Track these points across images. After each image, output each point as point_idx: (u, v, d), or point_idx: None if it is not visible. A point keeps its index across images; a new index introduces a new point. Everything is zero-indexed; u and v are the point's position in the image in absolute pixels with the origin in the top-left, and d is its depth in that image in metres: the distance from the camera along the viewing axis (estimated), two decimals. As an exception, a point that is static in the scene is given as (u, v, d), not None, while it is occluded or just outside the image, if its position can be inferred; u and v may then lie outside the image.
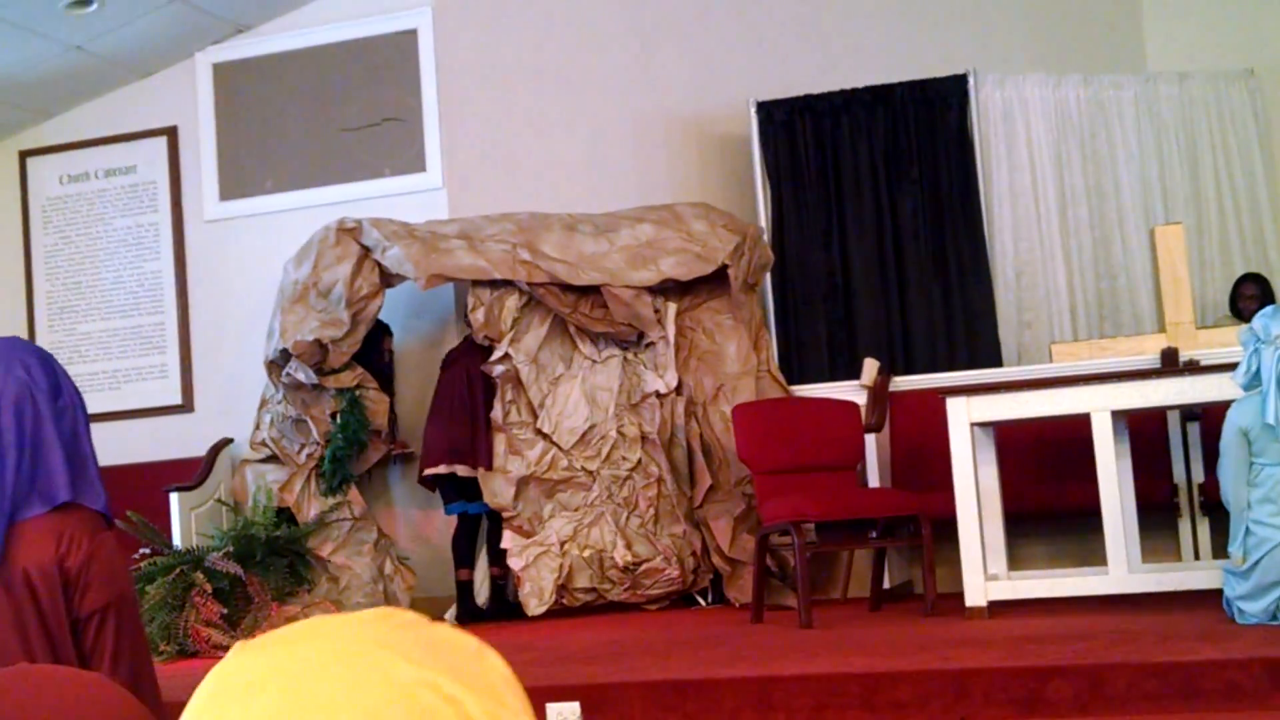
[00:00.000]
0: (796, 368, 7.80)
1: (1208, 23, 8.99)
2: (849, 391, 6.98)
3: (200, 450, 7.76)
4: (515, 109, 8.31)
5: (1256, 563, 4.66)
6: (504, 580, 7.36)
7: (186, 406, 8.40)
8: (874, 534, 6.23)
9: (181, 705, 1.04)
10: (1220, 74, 8.58)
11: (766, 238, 7.83)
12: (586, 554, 7.05)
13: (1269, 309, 5.01)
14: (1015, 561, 6.31)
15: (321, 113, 8.36)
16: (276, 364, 7.26)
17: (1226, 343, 6.04)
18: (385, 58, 8.29)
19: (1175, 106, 8.43)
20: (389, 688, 0.95)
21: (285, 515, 7.19)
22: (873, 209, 8.11)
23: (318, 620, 1.04)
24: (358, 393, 7.23)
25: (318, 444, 7.23)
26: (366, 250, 7.32)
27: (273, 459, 7.41)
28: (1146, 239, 7.73)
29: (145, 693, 3.24)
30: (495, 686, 1.00)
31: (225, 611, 6.42)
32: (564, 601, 7.04)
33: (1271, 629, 4.58)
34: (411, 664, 0.97)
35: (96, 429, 3.66)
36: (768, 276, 7.85)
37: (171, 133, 8.59)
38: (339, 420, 7.19)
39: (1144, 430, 5.99)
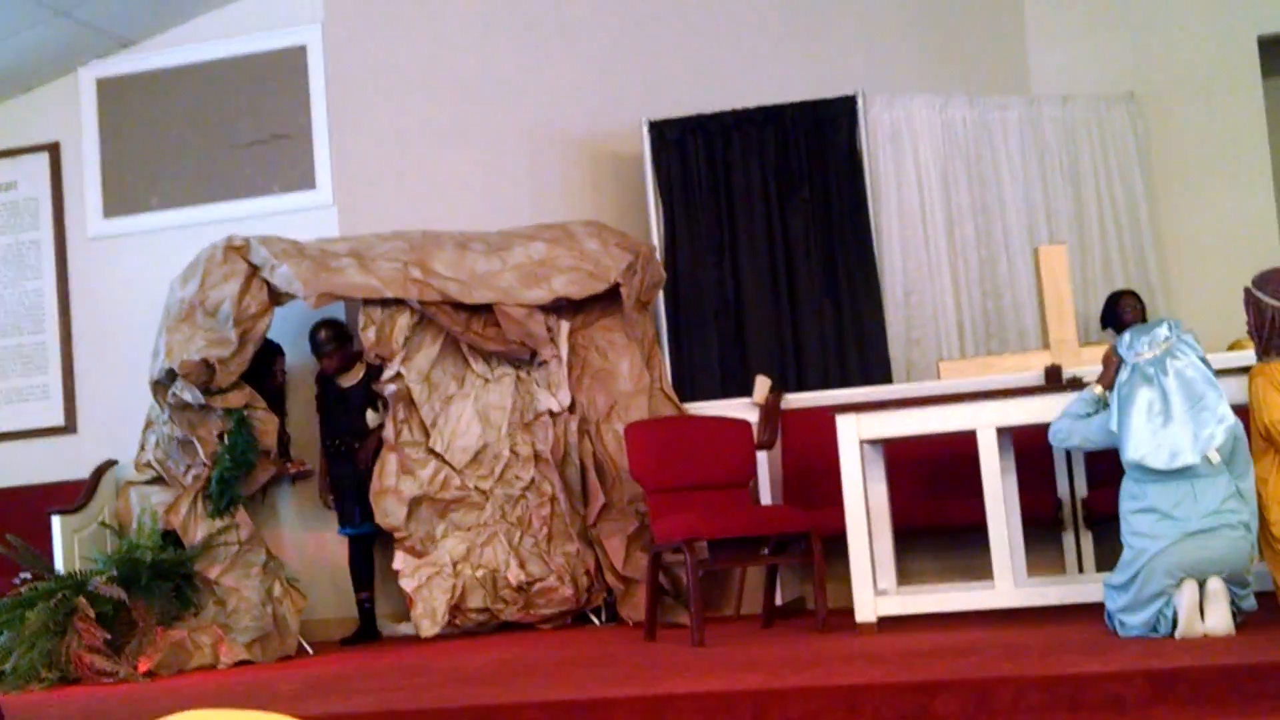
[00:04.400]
0: (689, 385, 7.83)
1: (1089, 47, 9.19)
2: (741, 409, 7.02)
3: (84, 473, 7.59)
4: (408, 127, 8.26)
5: (1135, 575, 4.76)
6: (369, 604, 7.41)
7: (69, 428, 8.23)
8: (766, 551, 6.27)
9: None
10: (1102, 97, 8.77)
11: (659, 256, 7.86)
12: (480, 574, 7.01)
13: (1136, 327, 5.14)
14: (906, 576, 6.39)
15: (209, 129, 8.25)
16: (162, 384, 7.13)
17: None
18: (274, 74, 8.20)
19: (1058, 128, 8.61)
20: None
21: (171, 538, 7.06)
22: (764, 227, 8.17)
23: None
24: (246, 413, 7.12)
25: (204, 465, 7.11)
26: (255, 268, 7.23)
27: (158, 481, 7.27)
28: (1031, 258, 7.88)
29: None
30: None
31: (109, 637, 6.29)
32: (457, 622, 7.00)
33: (1152, 641, 4.67)
34: None
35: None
36: (660, 295, 7.88)
37: (54, 149, 8.42)
38: (226, 441, 7.08)
39: (1029, 446, 6.08)
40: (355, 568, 7.43)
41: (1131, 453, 4.82)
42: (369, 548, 7.41)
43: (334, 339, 7.52)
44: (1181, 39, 9.11)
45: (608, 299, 7.37)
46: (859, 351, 8.08)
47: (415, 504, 7.10)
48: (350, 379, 7.51)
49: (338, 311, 7.74)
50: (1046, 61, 9.23)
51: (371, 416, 7.42)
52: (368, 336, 7.18)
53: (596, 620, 7.13)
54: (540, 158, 8.38)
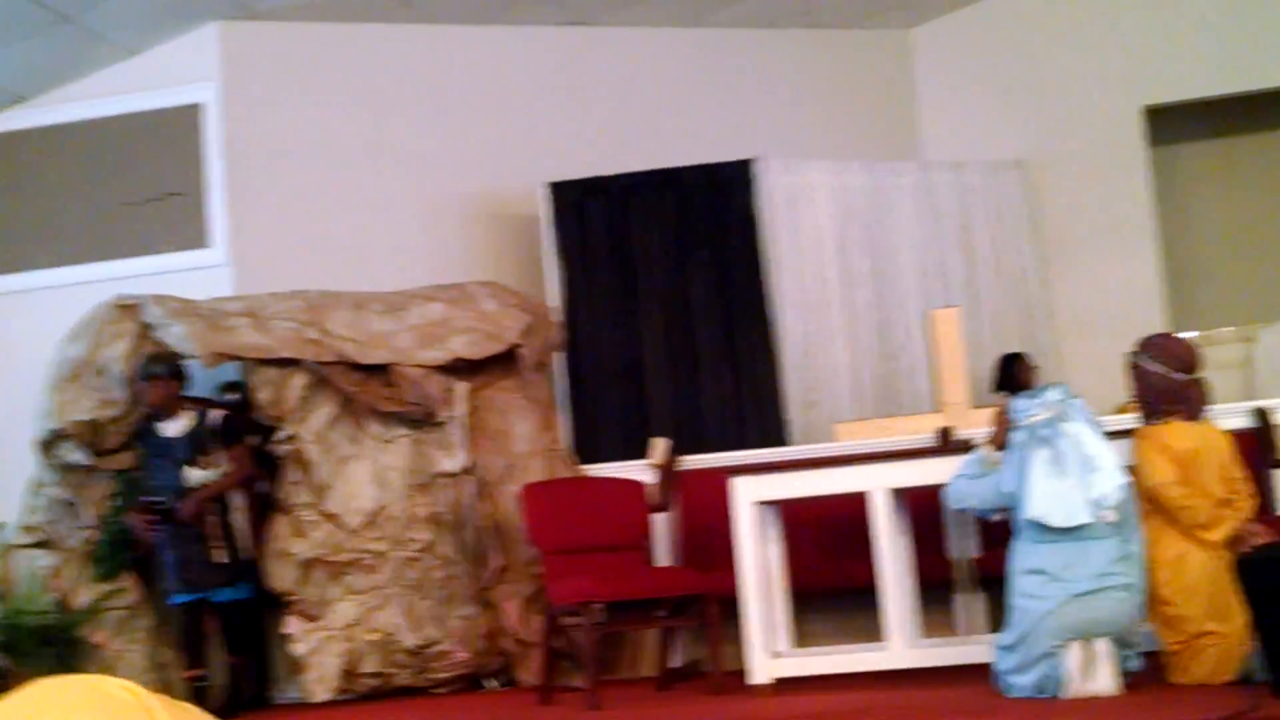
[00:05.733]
0: (589, 447, 7.81)
1: (980, 115, 9.41)
2: (638, 471, 7.02)
3: (-34, 536, 7.39)
4: (305, 186, 8.21)
5: (1024, 636, 4.81)
6: (249, 671, 6.86)
7: (-48, 489, 8.01)
8: (662, 613, 6.25)
9: None
10: (992, 164, 8.96)
11: (558, 317, 7.86)
12: (374, 638, 6.91)
13: (1027, 392, 5.24)
14: (806, 638, 6.40)
15: (101, 186, 8.14)
16: (48, 444, 6.98)
17: (998, 422, 6.24)
18: (168, 131, 8.11)
19: (951, 194, 8.77)
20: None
21: (57, 603, 6.88)
22: (663, 290, 8.22)
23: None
24: (135, 474, 6.98)
25: (92, 528, 6.95)
26: (146, 327, 7.12)
27: (44, 544, 7.09)
28: (925, 321, 7.99)
29: None
30: None
31: (-12, 705, 6.09)
32: (350, 687, 6.88)
33: (1040, 701, 4.72)
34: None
35: None
36: (559, 356, 7.87)
37: (-59, 204, 8.27)
38: (115, 503, 6.93)
39: (922, 507, 6.14)
40: (188, 640, 6.71)
41: (1031, 511, 4.88)
42: (198, 619, 6.70)
43: (167, 369, 6.76)
44: (1070, 109, 9.34)
45: (506, 360, 7.36)
46: (757, 413, 8.12)
47: (308, 567, 6.99)
48: (174, 428, 6.74)
49: (231, 372, 7.63)
50: (939, 129, 9.43)
51: (195, 475, 6.64)
52: (262, 397, 7.08)
53: (492, 684, 7.05)
54: (439, 218, 8.37)
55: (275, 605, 7.09)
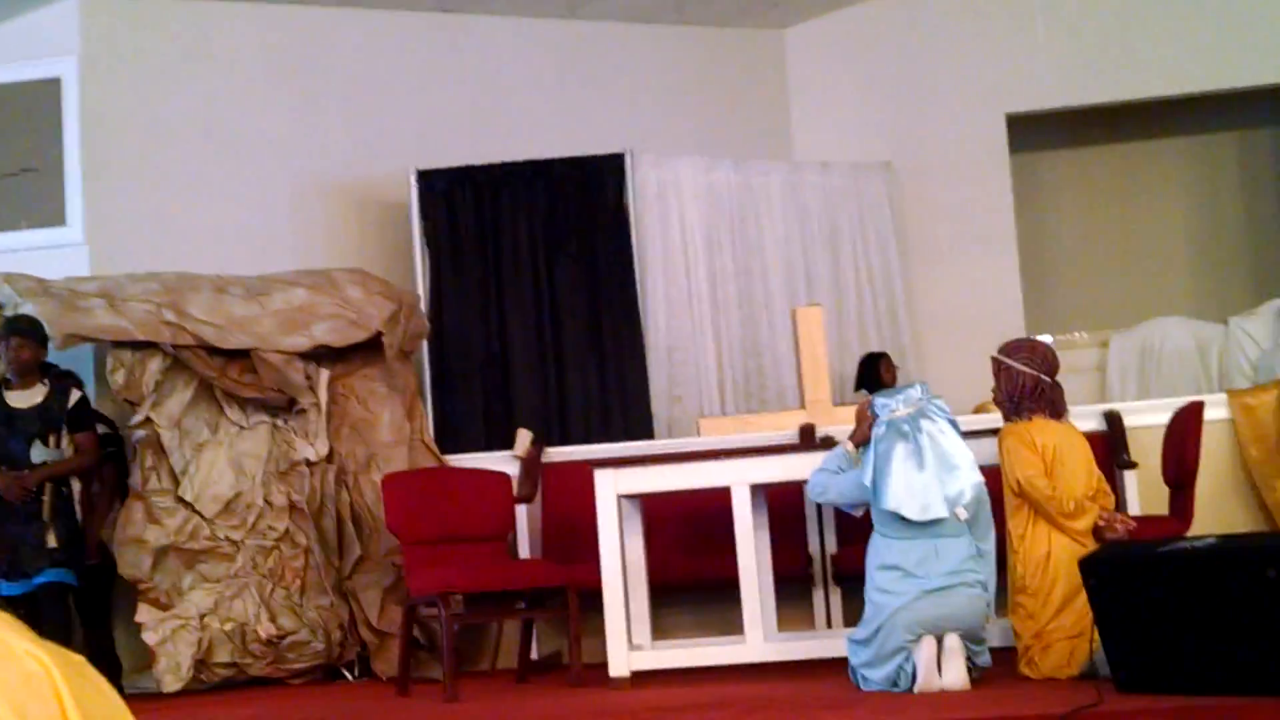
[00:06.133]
0: (453, 437, 7.77)
1: (850, 117, 9.54)
2: (502, 462, 6.99)
3: None
4: (167, 166, 8.04)
5: (877, 630, 4.89)
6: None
7: None
8: (522, 605, 6.24)
9: None
10: (859, 166, 9.09)
11: (424, 306, 7.80)
12: (228, 627, 6.79)
13: (889, 389, 5.33)
14: (663, 631, 6.43)
15: (-48, 160, 7.89)
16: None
17: (861, 420, 6.33)
18: (25, 105, 7.89)
19: (818, 194, 8.88)
20: None
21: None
22: (531, 281, 8.20)
23: None
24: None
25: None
26: (-3, 306, 6.91)
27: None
28: (790, 319, 8.08)
29: None
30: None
31: None
32: (202, 677, 6.75)
33: (892, 695, 4.80)
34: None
35: None
36: (424, 345, 7.81)
37: None
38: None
39: (782, 503, 6.21)
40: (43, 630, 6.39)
41: (887, 502, 4.96)
42: (34, 611, 6.27)
43: (32, 331, 6.47)
44: (935, 114, 9.51)
45: (369, 348, 7.26)
46: (622, 407, 8.15)
47: (162, 554, 6.84)
48: (25, 399, 6.46)
49: (86, 353, 7.45)
50: (809, 129, 9.54)
51: (39, 450, 6.36)
52: (117, 380, 6.91)
53: (349, 675, 6.97)
54: (305, 202, 8.25)
55: (106, 594, 6.92)
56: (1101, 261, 10.33)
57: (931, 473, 4.95)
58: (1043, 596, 5.00)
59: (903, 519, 4.93)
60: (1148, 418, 6.65)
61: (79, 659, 1.15)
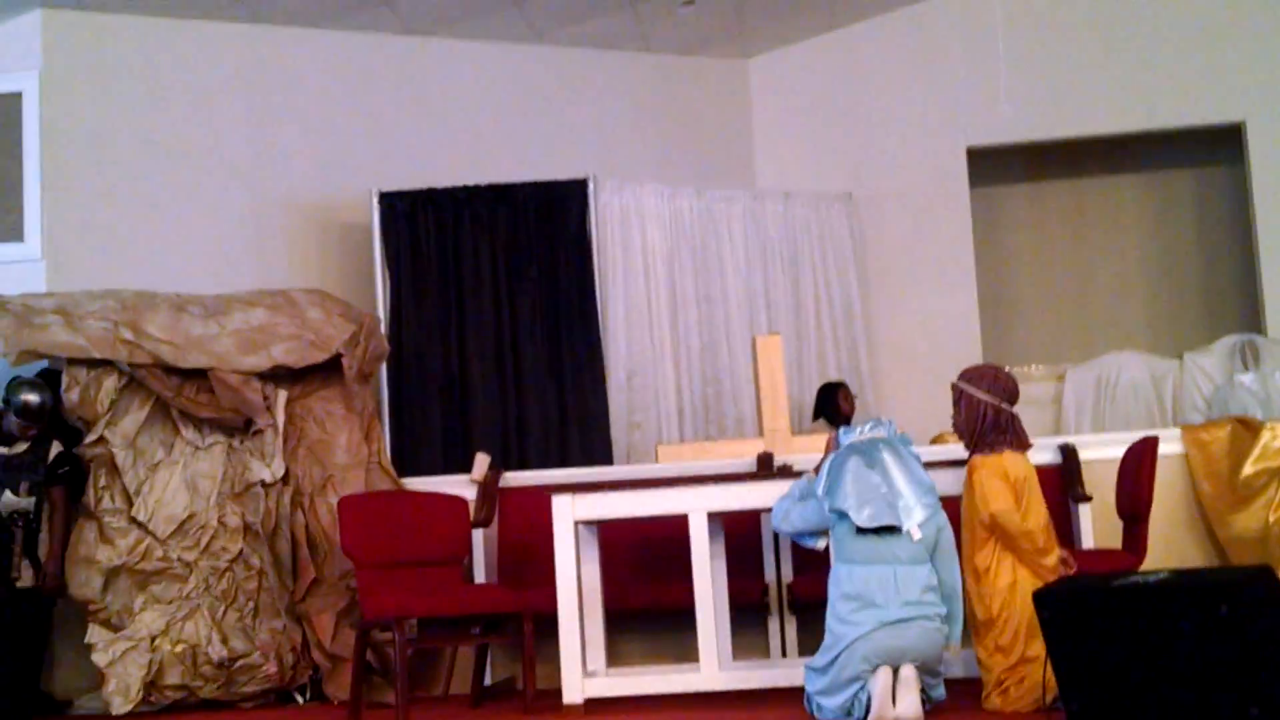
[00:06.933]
0: (411, 460, 7.74)
1: (812, 148, 9.60)
2: (459, 485, 6.96)
3: None
4: (127, 183, 8.00)
5: (835, 659, 4.89)
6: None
7: None
8: (477, 630, 6.21)
9: None
10: (821, 195, 9.14)
11: (384, 328, 7.77)
12: (179, 649, 6.72)
13: (847, 428, 5.35)
14: (618, 658, 6.42)
15: (-91, 174, 7.83)
16: None
17: (820, 448, 6.34)
18: (-15, 120, 7.85)
19: (780, 223, 8.92)
20: None
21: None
22: (492, 305, 8.19)
23: None
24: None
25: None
26: (-48, 322, 6.85)
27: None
28: (750, 347, 8.10)
29: None
30: None
31: None
32: (152, 699, 6.68)
33: (846, 724, 4.81)
34: None
35: None
36: (383, 367, 7.78)
37: None
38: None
39: (739, 531, 6.21)
40: None
41: (839, 503, 4.97)
42: None
43: (35, 421, 6.80)
44: (897, 146, 9.59)
45: (328, 369, 7.23)
46: (581, 432, 8.14)
47: (113, 574, 6.78)
48: (9, 450, 6.82)
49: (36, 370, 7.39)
50: (771, 159, 9.60)
51: (9, 498, 6.67)
52: (71, 398, 6.86)
53: (300, 699, 6.92)
54: (265, 222, 8.23)
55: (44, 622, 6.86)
56: (1059, 295, 10.41)
57: (885, 486, 4.98)
58: (1012, 628, 5.02)
59: (859, 537, 4.95)
60: (1102, 451, 6.69)
61: None
